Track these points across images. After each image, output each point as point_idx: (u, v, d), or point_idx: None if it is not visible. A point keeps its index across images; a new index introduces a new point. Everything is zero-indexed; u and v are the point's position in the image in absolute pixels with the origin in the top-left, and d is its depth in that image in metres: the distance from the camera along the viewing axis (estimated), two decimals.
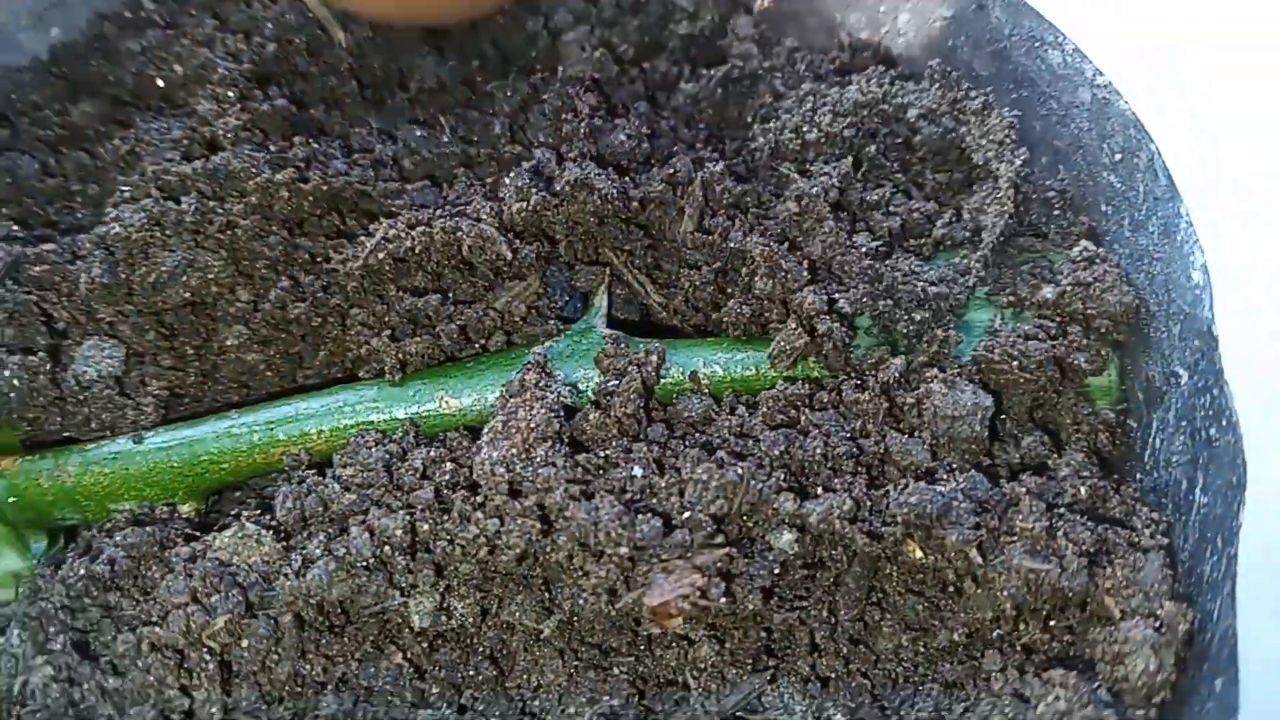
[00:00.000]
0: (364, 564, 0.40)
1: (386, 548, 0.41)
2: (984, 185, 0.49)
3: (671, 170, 0.49)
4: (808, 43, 0.58)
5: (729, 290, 0.48)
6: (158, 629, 0.40)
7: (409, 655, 0.42)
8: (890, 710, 0.42)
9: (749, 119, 0.55)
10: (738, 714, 0.42)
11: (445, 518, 0.41)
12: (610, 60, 0.55)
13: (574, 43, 0.56)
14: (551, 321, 0.48)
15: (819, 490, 0.42)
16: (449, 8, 0.45)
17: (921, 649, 0.42)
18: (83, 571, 0.42)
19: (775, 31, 0.58)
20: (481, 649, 0.43)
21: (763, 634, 0.42)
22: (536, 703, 0.43)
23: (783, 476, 0.41)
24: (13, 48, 0.55)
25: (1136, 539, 0.42)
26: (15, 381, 0.45)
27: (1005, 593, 0.40)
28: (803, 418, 0.44)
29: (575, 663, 0.42)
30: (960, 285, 0.46)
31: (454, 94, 0.57)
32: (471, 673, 0.43)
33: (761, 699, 0.42)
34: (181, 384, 0.48)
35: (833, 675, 0.42)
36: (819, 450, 0.42)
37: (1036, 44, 0.49)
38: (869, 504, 0.41)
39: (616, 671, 0.42)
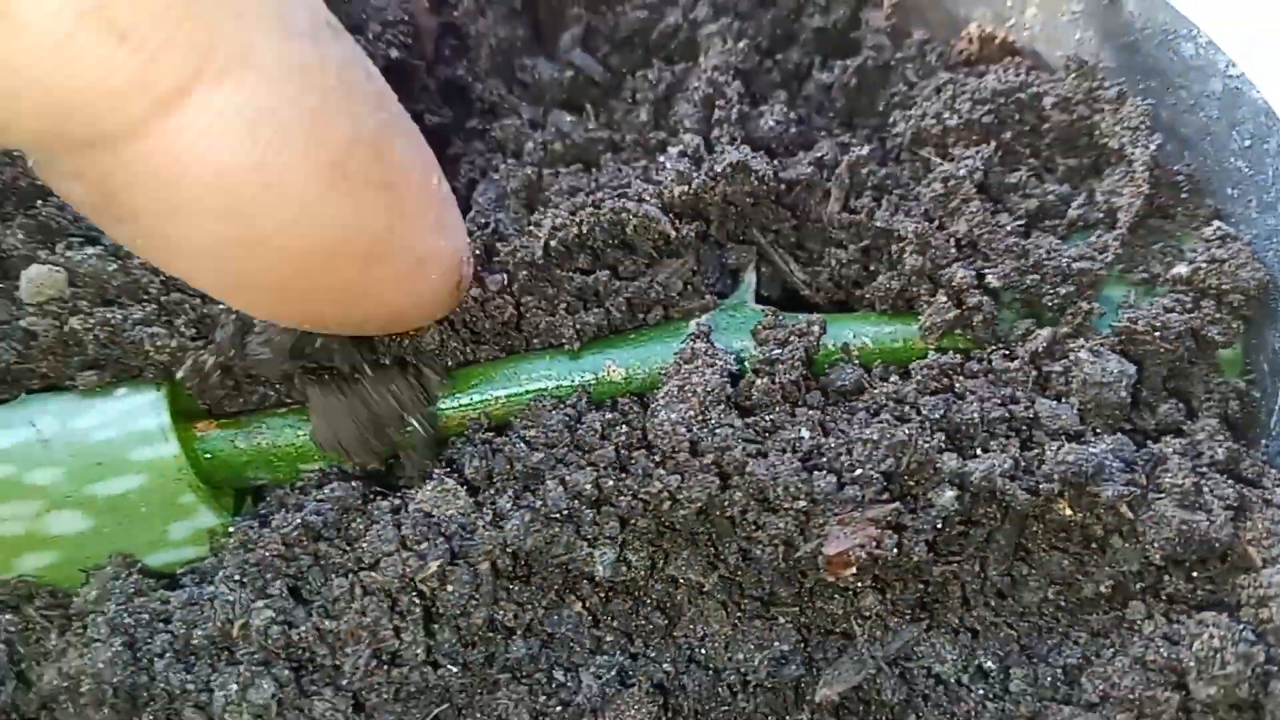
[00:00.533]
0: (557, 516, 0.43)
1: (577, 501, 0.44)
2: (1116, 169, 0.52)
3: (820, 153, 0.52)
4: (936, 35, 0.61)
5: (872, 268, 0.52)
6: (373, 573, 0.43)
7: (587, 605, 0.45)
8: (1038, 658, 0.45)
9: (880, 107, 0.59)
10: (898, 659, 0.45)
11: (626, 475, 0.44)
12: (752, 50, 0.59)
13: (716, 34, 0.60)
14: (707, 296, 0.51)
15: (977, 451, 0.45)
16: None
17: (1064, 602, 0.45)
18: (297, 521, 0.45)
19: (904, 24, 0.61)
20: (650, 600, 0.46)
21: (920, 586, 0.45)
22: (703, 650, 0.45)
23: (942, 438, 0.45)
24: None
25: (1269, 496, 0.45)
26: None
27: (1155, 545, 0.43)
28: (956, 384, 0.47)
29: (739, 613, 0.45)
30: (1100, 262, 0.49)
31: (599, 83, 0.60)
32: (642, 622, 0.45)
33: (916, 648, 0.45)
34: None
35: (980, 627, 0.45)
36: (975, 414, 0.45)
37: (1170, 36, 0.51)
38: (1024, 464, 0.44)
39: (782, 621, 0.45)
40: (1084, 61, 0.53)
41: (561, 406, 0.48)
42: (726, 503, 0.43)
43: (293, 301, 0.39)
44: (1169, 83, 0.52)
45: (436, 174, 0.40)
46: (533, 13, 0.65)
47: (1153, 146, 0.50)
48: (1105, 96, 0.52)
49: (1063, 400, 0.46)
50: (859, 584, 0.44)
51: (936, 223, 0.51)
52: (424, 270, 0.41)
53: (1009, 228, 0.49)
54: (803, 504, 0.42)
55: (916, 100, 0.56)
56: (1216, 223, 0.49)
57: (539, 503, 0.44)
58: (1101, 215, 0.51)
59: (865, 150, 0.53)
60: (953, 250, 0.49)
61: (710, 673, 0.45)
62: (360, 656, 0.42)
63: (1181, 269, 0.48)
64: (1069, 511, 0.44)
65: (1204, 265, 0.48)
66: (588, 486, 0.44)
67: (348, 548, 0.45)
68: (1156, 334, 0.47)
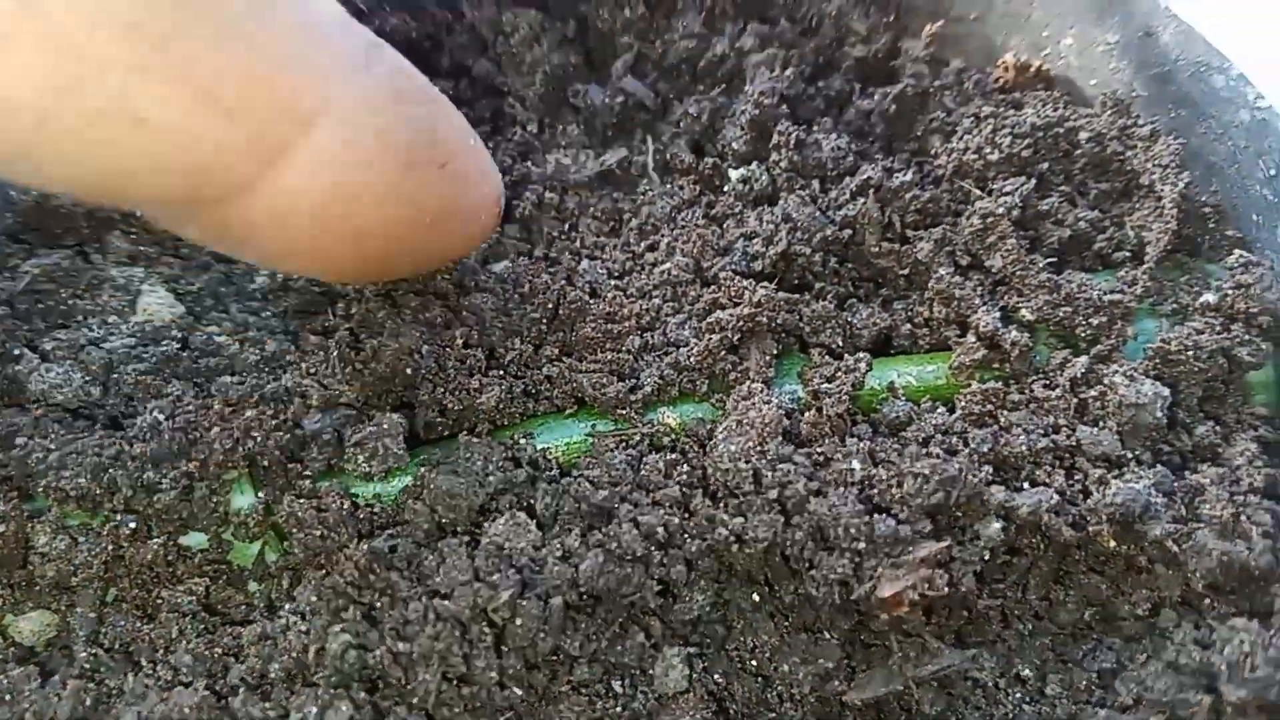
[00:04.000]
0: (629, 557, 0.46)
1: (648, 541, 0.46)
2: (1146, 202, 0.54)
3: (865, 176, 0.55)
4: (972, 64, 0.63)
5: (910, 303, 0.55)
6: (446, 601, 0.45)
7: (650, 635, 0.48)
8: (1073, 663, 0.48)
9: (919, 132, 0.61)
10: (932, 679, 0.48)
11: (691, 515, 0.47)
12: (798, 78, 0.62)
13: (762, 63, 0.62)
14: None
15: (1024, 484, 0.48)
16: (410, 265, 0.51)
17: (1098, 619, 0.48)
18: (368, 549, 0.47)
19: (942, 53, 0.64)
20: (709, 620, 0.48)
21: (965, 613, 0.48)
22: (754, 661, 0.48)
23: (990, 471, 0.47)
24: None
25: None
26: None
27: (1197, 574, 0.45)
28: (1001, 416, 0.50)
29: (786, 624, 0.48)
30: (1130, 294, 0.51)
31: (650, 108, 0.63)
32: (697, 638, 0.48)
33: (951, 670, 0.48)
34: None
35: (1016, 642, 0.48)
36: (1023, 445, 0.48)
37: (1202, 69, 0.54)
38: (1068, 495, 0.47)
39: (828, 636, 0.48)
40: (1120, 100, 0.56)
41: (625, 447, 0.50)
42: (789, 541, 0.46)
43: (377, 265, 0.48)
44: (1199, 113, 0.55)
45: (471, 134, 0.46)
46: (584, 41, 0.68)
47: (1182, 184, 0.53)
48: (1139, 134, 0.55)
49: (1101, 426, 0.49)
50: (912, 618, 0.47)
51: (972, 257, 0.53)
52: (476, 216, 0.48)
53: (1042, 264, 0.52)
54: (862, 545, 0.45)
55: (955, 127, 0.59)
56: (1239, 251, 0.52)
57: (613, 544, 0.46)
58: (1131, 249, 0.54)
59: (908, 176, 0.55)
60: (977, 294, 0.52)
61: (760, 680, 0.48)
62: (431, 678, 0.44)
63: (1209, 297, 0.51)
64: (1113, 544, 0.47)
65: (1230, 291, 0.51)
66: (659, 529, 0.46)
67: (416, 579, 0.47)
68: (1189, 354, 0.49)
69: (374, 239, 0.43)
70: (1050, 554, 0.48)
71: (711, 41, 0.64)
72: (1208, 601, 0.47)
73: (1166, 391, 0.49)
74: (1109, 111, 0.56)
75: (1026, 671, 0.48)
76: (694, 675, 0.48)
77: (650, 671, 0.47)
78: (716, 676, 0.48)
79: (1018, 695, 0.48)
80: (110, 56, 0.32)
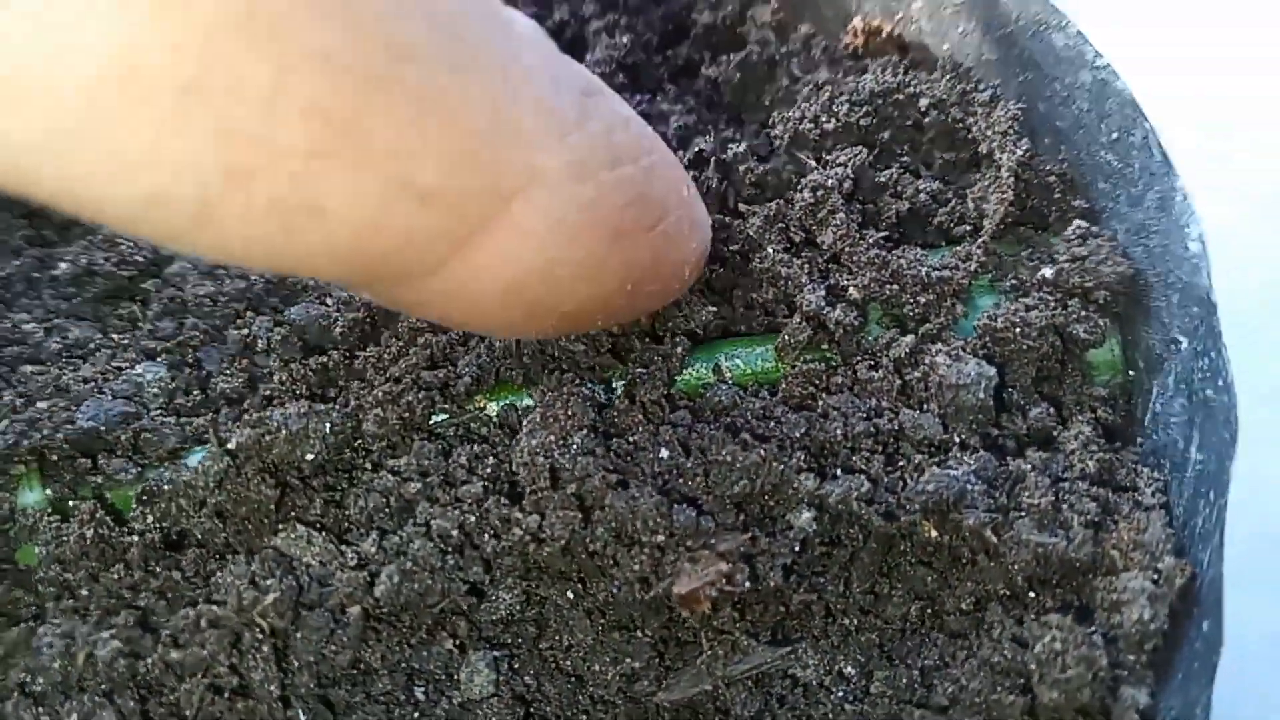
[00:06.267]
0: (426, 569, 0.43)
1: (444, 544, 0.44)
2: (988, 173, 0.52)
3: (698, 149, 0.52)
4: (823, 29, 0.60)
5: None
6: (214, 606, 0.43)
7: (458, 640, 0.46)
8: (898, 660, 0.45)
9: (767, 102, 0.58)
10: (745, 678, 0.45)
11: (490, 514, 0.44)
12: (637, 45, 0.59)
13: (601, 29, 0.59)
14: None
15: (838, 470, 0.45)
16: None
17: (929, 613, 0.46)
18: (143, 546, 0.45)
19: (791, 18, 0.61)
20: (520, 620, 0.46)
21: (781, 608, 0.45)
22: (569, 662, 0.46)
23: (803, 457, 0.45)
24: None
25: (1140, 498, 0.45)
26: None
27: (1016, 566, 0.43)
28: (821, 399, 0.47)
29: (602, 621, 0.45)
30: (963, 270, 0.49)
31: None
32: (509, 638, 0.46)
33: (768, 669, 0.45)
34: None
35: (840, 638, 0.45)
36: (838, 430, 0.45)
37: (1042, 28, 0.51)
38: (885, 482, 0.45)
39: (640, 635, 0.45)
40: (958, 64, 0.53)
41: (433, 439, 0.48)
42: (590, 538, 0.43)
43: (566, 330, 0.45)
44: (1044, 75, 0.52)
45: (685, 182, 0.42)
46: None
47: (1020, 152, 0.50)
48: (979, 99, 0.52)
49: (924, 408, 0.46)
50: (723, 615, 0.44)
51: (805, 231, 0.50)
52: (680, 273, 0.43)
53: (873, 239, 0.49)
54: (661, 539, 0.42)
55: (797, 97, 0.56)
56: (1078, 221, 0.49)
57: (406, 560, 0.43)
58: (972, 222, 0.51)
59: (742, 147, 0.52)
60: (804, 272, 0.49)
61: (573, 682, 0.46)
62: (196, 688, 0.42)
63: (1047, 271, 0.48)
64: (934, 533, 0.44)
65: (1066, 265, 0.48)
66: (454, 531, 0.44)
67: (201, 583, 0.45)
68: (1017, 331, 0.47)
69: (566, 311, 0.38)
70: (873, 545, 0.45)
71: (552, 8, 0.61)
72: (1033, 595, 0.44)
73: (992, 371, 0.46)
74: (948, 76, 0.53)
75: (850, 669, 0.45)
76: (501, 678, 0.45)
77: (456, 676, 0.45)
78: (527, 678, 0.46)
79: (840, 694, 0.45)
80: (287, 143, 0.27)
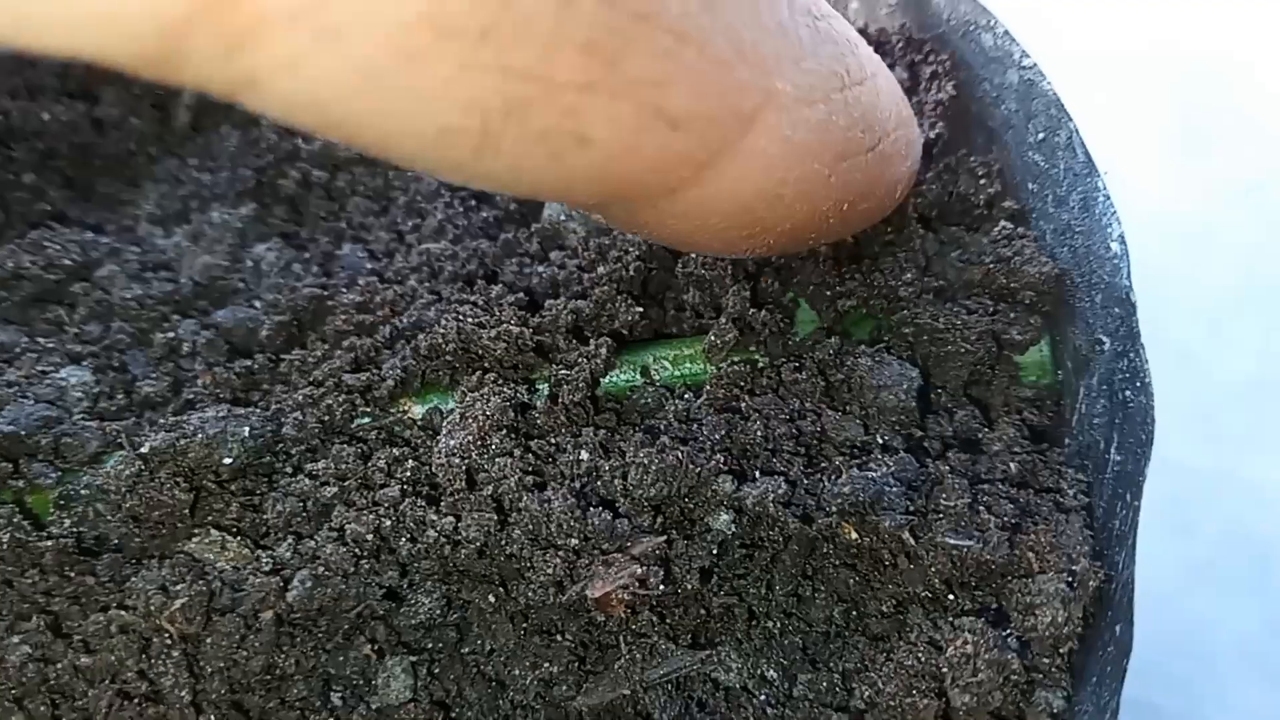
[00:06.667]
0: (339, 574, 0.43)
1: (358, 548, 0.43)
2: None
3: None
4: None
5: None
6: (123, 611, 0.43)
7: (377, 644, 0.45)
8: (821, 662, 0.45)
9: None
10: (665, 682, 0.45)
11: (406, 517, 0.44)
12: None
13: None
14: None
15: (758, 472, 0.45)
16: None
17: (853, 615, 0.45)
18: (56, 549, 0.45)
19: None
20: (445, 623, 0.45)
21: (701, 611, 0.45)
22: (490, 667, 0.45)
23: (723, 459, 0.44)
24: None
25: (1062, 500, 0.45)
26: None
27: (934, 569, 0.43)
28: (744, 401, 0.47)
29: (525, 624, 0.45)
30: (889, 271, 0.48)
31: None
32: (429, 642, 0.45)
33: (686, 672, 0.45)
34: None
35: (764, 641, 0.45)
36: (759, 432, 0.45)
37: (971, 28, 0.51)
38: (805, 485, 0.44)
39: (559, 639, 0.45)
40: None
41: (353, 442, 0.47)
42: (506, 540, 0.43)
43: (778, 250, 0.45)
44: (974, 75, 0.51)
45: (903, 100, 0.43)
46: None
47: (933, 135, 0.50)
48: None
49: (848, 410, 0.46)
50: (641, 618, 0.44)
51: None
52: (893, 192, 0.44)
53: None
54: (575, 542, 0.42)
55: None
56: (1003, 222, 0.48)
57: (319, 565, 0.43)
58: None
59: None
60: (729, 275, 0.49)
61: (494, 687, 0.45)
62: (104, 694, 0.42)
63: (974, 273, 0.48)
64: (855, 535, 0.44)
65: (992, 266, 0.48)
66: (369, 536, 0.43)
67: (115, 589, 0.44)
68: (943, 334, 0.47)
69: (784, 230, 0.39)
70: (795, 547, 0.45)
71: None
72: (952, 598, 0.44)
73: (914, 373, 0.46)
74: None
75: (772, 672, 0.45)
76: (419, 683, 0.45)
77: (373, 681, 0.45)
78: (447, 684, 0.45)
79: (762, 697, 0.45)
80: (564, 78, 0.29)
